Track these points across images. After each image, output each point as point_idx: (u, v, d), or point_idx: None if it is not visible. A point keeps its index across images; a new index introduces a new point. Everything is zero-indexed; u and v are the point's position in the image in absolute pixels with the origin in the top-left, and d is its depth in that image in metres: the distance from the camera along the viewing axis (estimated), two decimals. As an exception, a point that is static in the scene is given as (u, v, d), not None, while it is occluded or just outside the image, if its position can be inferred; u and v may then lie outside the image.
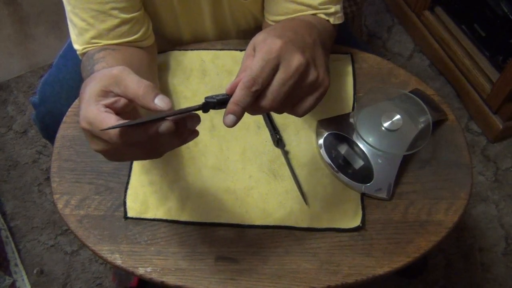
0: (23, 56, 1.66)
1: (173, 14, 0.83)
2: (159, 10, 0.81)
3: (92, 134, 0.50)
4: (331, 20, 0.74)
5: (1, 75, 1.64)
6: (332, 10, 0.73)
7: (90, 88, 0.51)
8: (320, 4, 0.72)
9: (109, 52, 0.70)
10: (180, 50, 0.86)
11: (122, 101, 0.50)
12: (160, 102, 0.48)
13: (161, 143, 0.50)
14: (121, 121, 0.47)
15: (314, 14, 0.73)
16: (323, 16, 0.73)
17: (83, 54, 0.72)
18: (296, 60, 0.51)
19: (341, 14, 0.75)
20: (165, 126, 0.47)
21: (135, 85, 0.49)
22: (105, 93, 0.50)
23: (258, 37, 0.55)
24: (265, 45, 0.52)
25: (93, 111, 0.49)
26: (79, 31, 0.71)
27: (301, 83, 0.53)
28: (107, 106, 0.49)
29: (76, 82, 0.86)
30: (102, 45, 0.71)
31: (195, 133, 0.52)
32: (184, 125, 0.50)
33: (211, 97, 0.50)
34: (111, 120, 0.47)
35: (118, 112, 0.50)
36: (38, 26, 1.65)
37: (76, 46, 0.73)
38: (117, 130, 0.47)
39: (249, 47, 0.55)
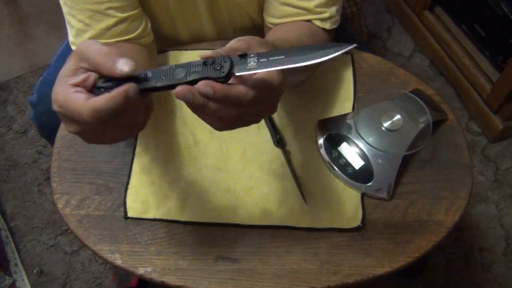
0: (23, 56, 1.66)
1: (168, 14, 0.82)
2: (154, 10, 0.81)
3: (65, 116, 0.47)
4: (327, 26, 0.74)
5: (1, 75, 1.64)
6: (327, 14, 0.73)
7: (61, 70, 0.49)
8: (316, 6, 0.72)
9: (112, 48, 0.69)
10: (180, 50, 0.86)
11: (93, 75, 0.48)
12: (122, 66, 0.45)
13: (134, 115, 0.47)
14: (92, 99, 0.45)
15: (309, 20, 0.73)
16: (318, 23, 0.73)
17: None
18: None
19: (337, 18, 0.75)
20: (131, 88, 0.44)
21: (96, 54, 0.46)
22: (75, 71, 0.48)
23: None
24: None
25: (61, 92, 0.46)
26: (77, 32, 0.71)
27: None
28: (76, 85, 0.47)
29: None
30: (102, 43, 0.71)
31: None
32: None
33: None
34: (80, 100, 0.45)
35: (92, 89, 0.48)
36: (38, 26, 1.65)
37: (74, 48, 0.73)
38: (89, 109, 0.44)
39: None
